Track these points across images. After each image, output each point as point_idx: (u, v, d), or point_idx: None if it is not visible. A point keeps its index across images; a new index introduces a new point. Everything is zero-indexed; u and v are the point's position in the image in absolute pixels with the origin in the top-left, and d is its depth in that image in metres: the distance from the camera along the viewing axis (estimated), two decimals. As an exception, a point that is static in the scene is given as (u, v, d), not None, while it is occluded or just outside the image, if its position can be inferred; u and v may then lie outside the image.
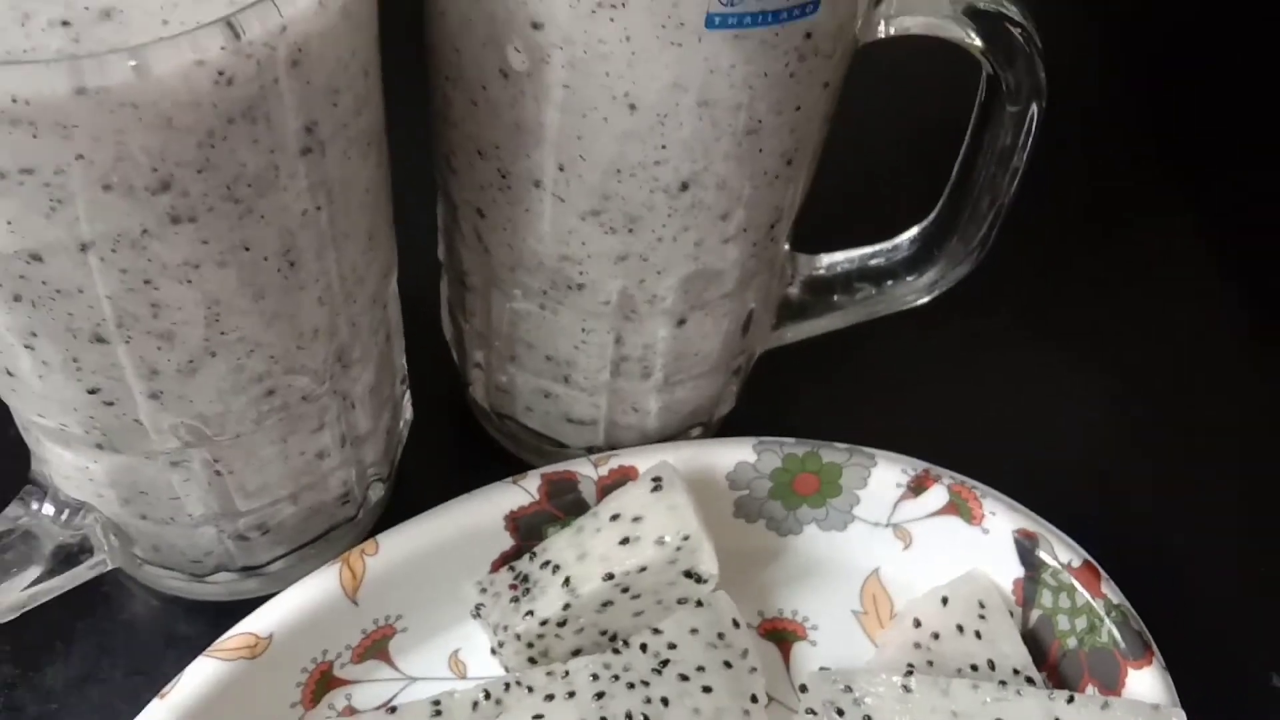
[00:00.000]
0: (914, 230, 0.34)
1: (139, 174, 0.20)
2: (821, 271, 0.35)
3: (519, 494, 0.32)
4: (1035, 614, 0.33)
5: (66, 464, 0.28)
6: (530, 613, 0.31)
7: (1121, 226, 0.47)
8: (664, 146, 0.26)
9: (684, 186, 0.27)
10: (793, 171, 0.29)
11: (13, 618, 0.28)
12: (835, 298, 0.35)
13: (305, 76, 0.21)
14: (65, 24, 0.20)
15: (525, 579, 0.32)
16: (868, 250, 0.35)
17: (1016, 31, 0.28)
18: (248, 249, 0.23)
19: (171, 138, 0.20)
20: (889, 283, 0.35)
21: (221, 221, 0.22)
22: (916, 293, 0.35)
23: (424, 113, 0.30)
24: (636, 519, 0.31)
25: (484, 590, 0.32)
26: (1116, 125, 0.52)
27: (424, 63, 0.28)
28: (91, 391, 0.25)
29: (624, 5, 0.23)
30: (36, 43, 0.19)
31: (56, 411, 0.26)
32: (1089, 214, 0.48)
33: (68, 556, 0.29)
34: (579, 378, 0.33)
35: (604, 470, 0.33)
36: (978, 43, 0.28)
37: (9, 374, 0.25)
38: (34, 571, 0.28)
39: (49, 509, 0.29)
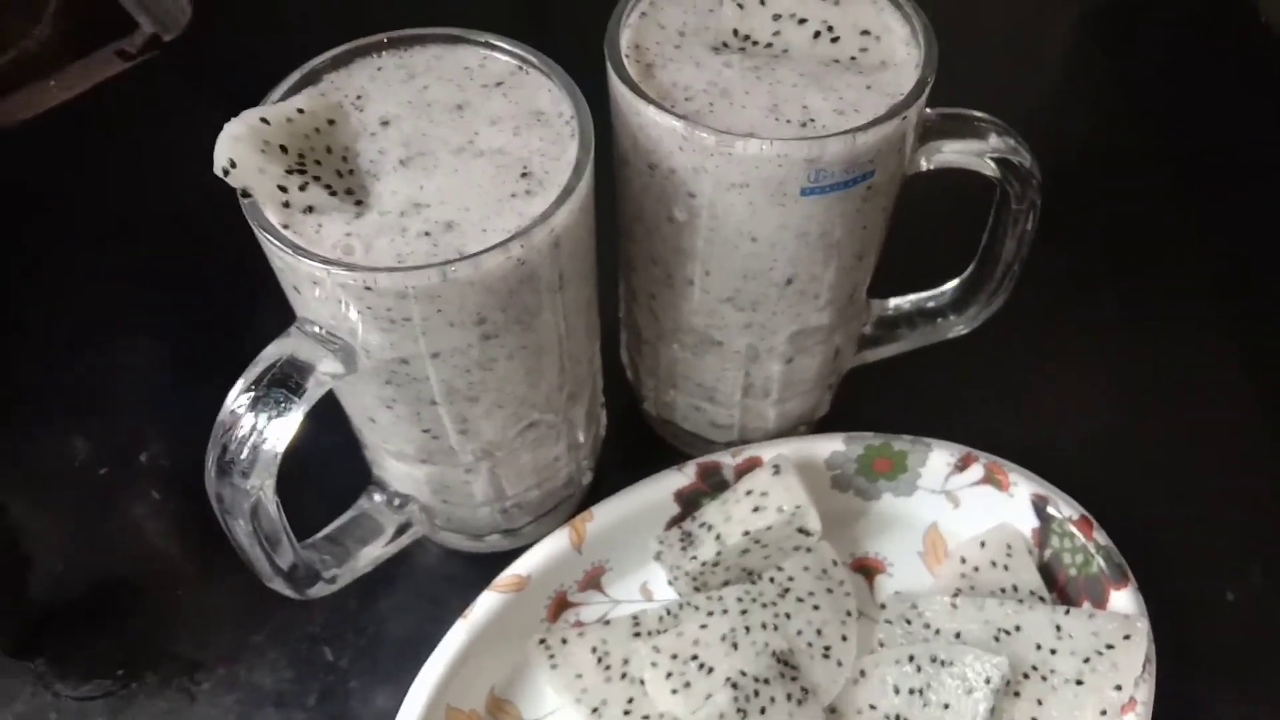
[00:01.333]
0: (955, 282, 0.42)
1: (468, 315, 0.30)
2: (890, 312, 0.44)
3: (682, 477, 0.41)
4: (1048, 552, 0.40)
5: (400, 472, 0.38)
6: (694, 557, 0.40)
7: (1130, 271, 0.53)
8: (775, 260, 0.35)
9: (788, 281, 0.36)
10: (864, 262, 0.38)
11: (370, 569, 0.39)
12: (900, 330, 0.44)
13: (561, 250, 0.31)
14: (427, 234, 0.30)
15: (689, 535, 0.41)
16: (923, 295, 0.43)
17: (1019, 164, 0.36)
18: (524, 347, 0.33)
19: (488, 295, 0.30)
20: (939, 320, 0.43)
21: (512, 335, 0.32)
22: (958, 326, 0.43)
23: (612, 230, 0.39)
24: (764, 494, 0.40)
25: (662, 542, 0.41)
26: (1128, 151, 0.59)
27: (616, 208, 0.38)
28: (424, 431, 0.35)
29: (748, 185, 0.32)
30: (413, 247, 0.29)
31: (399, 441, 0.36)
32: (1104, 260, 0.53)
33: (400, 529, 0.39)
34: (720, 398, 0.42)
35: (739, 460, 0.42)
36: (996, 172, 0.37)
37: (371, 420, 0.36)
38: (384, 540, 0.39)
39: (384, 499, 0.40)
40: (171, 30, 0.48)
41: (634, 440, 0.46)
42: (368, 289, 0.29)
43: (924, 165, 0.36)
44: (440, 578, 0.43)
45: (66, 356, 0.49)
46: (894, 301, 0.44)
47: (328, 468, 0.42)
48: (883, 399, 0.46)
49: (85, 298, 0.51)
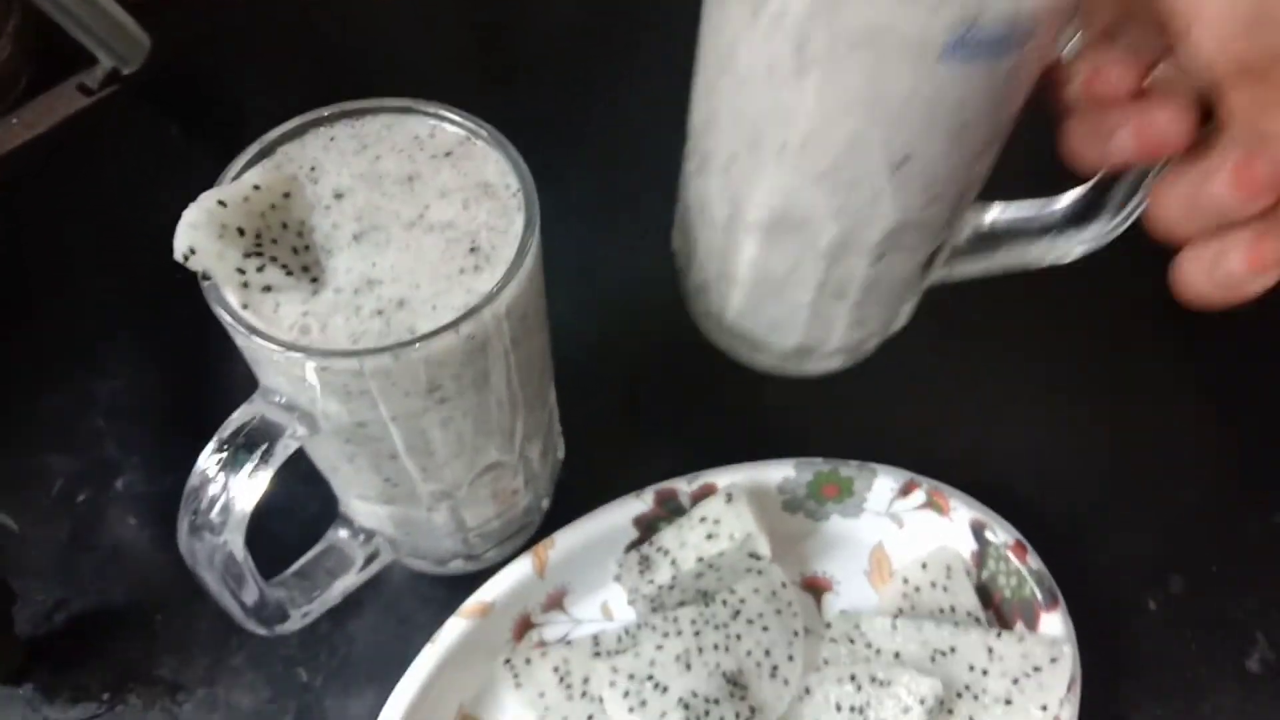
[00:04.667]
0: (1076, 191, 0.37)
1: (420, 385, 0.32)
2: (987, 224, 0.39)
3: (640, 504, 0.44)
4: (985, 574, 0.43)
5: (364, 511, 0.40)
6: (651, 581, 0.42)
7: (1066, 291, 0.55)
8: (891, 134, 0.30)
9: (903, 161, 0.31)
10: (990, 150, 0.34)
11: (340, 601, 0.42)
12: (998, 245, 0.39)
13: (511, 317, 0.32)
14: (380, 313, 0.31)
15: (647, 559, 0.43)
16: (1032, 203, 0.38)
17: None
18: (479, 405, 0.35)
19: (441, 369, 0.32)
20: (1044, 236, 0.37)
21: (464, 397, 0.34)
22: (1070, 246, 0.37)
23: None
24: (717, 521, 0.43)
25: (620, 565, 0.44)
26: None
27: (696, 49, 0.35)
28: (386, 479, 0.37)
29: (879, 36, 0.28)
30: (366, 326, 0.31)
31: (362, 488, 0.38)
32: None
33: (368, 560, 0.42)
34: (788, 295, 0.38)
35: (694, 487, 0.44)
36: None
37: (335, 469, 0.38)
38: (353, 571, 0.41)
39: (350, 533, 0.42)
40: (131, 64, 0.49)
41: (592, 463, 0.48)
42: (324, 369, 0.31)
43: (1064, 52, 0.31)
44: (407, 598, 0.46)
45: (41, 388, 0.51)
46: (996, 210, 0.38)
47: (295, 498, 0.44)
48: (828, 419, 0.49)
49: (58, 330, 0.53)
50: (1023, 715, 0.40)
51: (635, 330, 0.52)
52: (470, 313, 0.31)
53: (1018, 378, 0.52)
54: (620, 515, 0.44)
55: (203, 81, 0.52)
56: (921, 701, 0.39)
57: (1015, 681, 0.40)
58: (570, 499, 0.46)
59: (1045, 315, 0.53)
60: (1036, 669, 0.40)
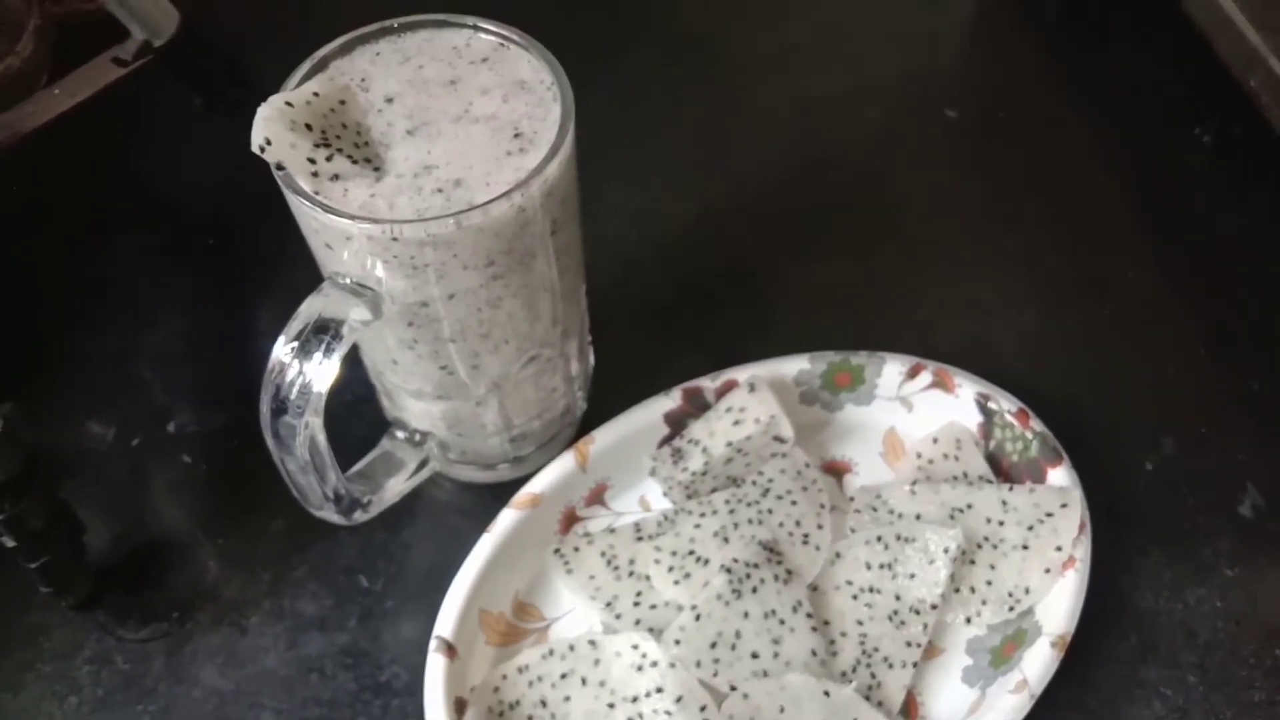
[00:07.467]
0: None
1: (478, 259, 0.36)
2: None
3: (669, 401, 0.47)
4: (992, 443, 0.47)
5: (417, 410, 0.44)
6: (685, 469, 0.46)
7: (1047, 188, 0.60)
8: None
9: None
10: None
11: (396, 500, 0.45)
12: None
13: (553, 197, 0.36)
14: (439, 190, 0.35)
15: (679, 451, 0.47)
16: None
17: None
18: (525, 286, 0.39)
19: (495, 240, 0.36)
20: None
21: (515, 275, 0.38)
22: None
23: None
24: (741, 409, 0.46)
25: (655, 459, 0.47)
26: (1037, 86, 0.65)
27: None
28: (441, 368, 0.41)
29: None
30: (428, 203, 0.35)
31: (418, 380, 0.42)
32: (1023, 182, 0.61)
33: (420, 466, 0.45)
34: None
35: (718, 383, 0.47)
36: None
37: (394, 362, 0.41)
38: (405, 474, 0.44)
39: (405, 437, 0.46)
40: (161, 36, 0.52)
41: (620, 377, 0.51)
42: (394, 239, 0.34)
43: None
44: (456, 511, 0.49)
45: (93, 344, 0.55)
46: None
47: (346, 426, 0.47)
48: (837, 320, 0.53)
49: (100, 287, 0.57)
50: (1040, 557, 0.43)
51: (658, 245, 0.57)
52: (522, 183, 0.35)
53: (1016, 266, 0.56)
54: (652, 412, 0.48)
55: (231, 51, 0.56)
56: (946, 551, 0.43)
57: (1030, 528, 0.44)
58: (603, 405, 0.49)
59: (1030, 213, 0.58)
60: (1049, 515, 0.44)
